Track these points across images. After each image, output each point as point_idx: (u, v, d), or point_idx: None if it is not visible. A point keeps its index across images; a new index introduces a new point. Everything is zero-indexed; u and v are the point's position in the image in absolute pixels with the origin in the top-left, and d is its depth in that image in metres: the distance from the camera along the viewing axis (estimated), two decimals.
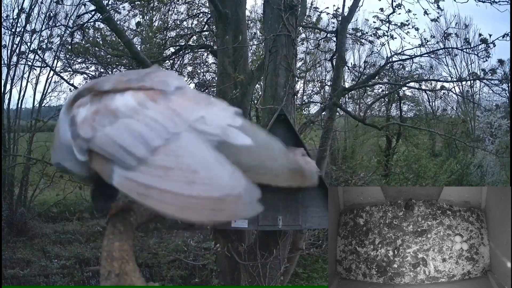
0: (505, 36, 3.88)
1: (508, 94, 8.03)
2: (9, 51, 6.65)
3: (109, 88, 0.60)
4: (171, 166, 0.53)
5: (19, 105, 7.56)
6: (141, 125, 0.55)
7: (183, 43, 5.72)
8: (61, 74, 5.69)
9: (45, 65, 5.66)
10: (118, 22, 4.64)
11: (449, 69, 10.65)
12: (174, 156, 0.54)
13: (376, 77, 5.02)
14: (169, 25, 5.99)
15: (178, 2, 5.89)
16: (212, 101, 0.61)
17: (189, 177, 0.52)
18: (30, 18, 6.41)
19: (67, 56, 5.49)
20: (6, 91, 7.11)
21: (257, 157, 0.57)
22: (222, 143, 0.55)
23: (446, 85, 6.13)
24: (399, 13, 4.54)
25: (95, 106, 0.59)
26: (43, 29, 5.53)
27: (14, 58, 6.55)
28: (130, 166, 0.54)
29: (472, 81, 7.84)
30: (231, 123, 0.57)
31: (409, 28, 4.66)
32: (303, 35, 5.62)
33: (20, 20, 6.17)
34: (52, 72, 6.73)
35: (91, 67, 5.93)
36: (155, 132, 0.55)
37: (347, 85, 6.58)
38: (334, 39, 4.26)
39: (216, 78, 5.06)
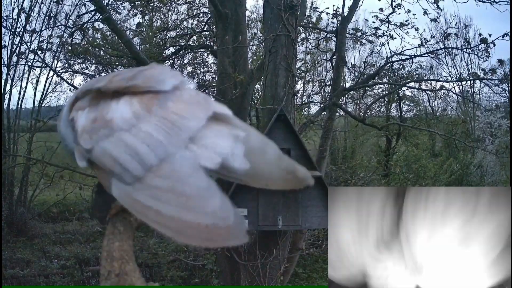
0: (505, 36, 3.89)
1: (508, 94, 8.04)
2: (9, 51, 6.66)
3: (100, 86, 0.59)
4: (165, 188, 0.52)
5: (19, 105, 7.57)
6: (137, 140, 0.54)
7: (183, 43, 5.73)
8: (61, 74, 5.69)
9: (45, 65, 5.67)
10: (118, 22, 4.64)
11: (449, 69, 10.65)
12: (168, 178, 0.53)
13: (376, 77, 5.03)
14: (169, 25, 5.99)
15: (178, 2, 5.90)
16: (212, 107, 0.59)
17: (182, 202, 0.51)
18: (30, 18, 6.41)
19: (67, 56, 5.50)
20: (6, 91, 7.12)
21: (252, 164, 0.56)
22: (221, 166, 0.54)
23: (446, 85, 6.15)
24: (399, 13, 4.54)
25: (93, 114, 0.57)
26: (43, 29, 5.53)
27: (14, 58, 6.55)
28: (127, 182, 0.54)
29: (472, 81, 7.85)
30: (233, 148, 0.56)
31: (408, 28, 4.67)
32: (303, 35, 5.63)
33: (20, 20, 6.18)
34: (52, 72, 6.74)
35: (91, 67, 5.94)
36: (150, 150, 0.53)
37: (347, 85, 6.59)
38: (334, 39, 4.27)
39: (216, 78, 5.06)
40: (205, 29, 5.73)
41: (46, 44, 4.97)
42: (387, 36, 4.69)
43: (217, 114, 0.58)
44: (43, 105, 7.80)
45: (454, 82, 7.15)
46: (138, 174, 0.53)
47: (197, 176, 0.53)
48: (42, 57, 5.24)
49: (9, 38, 6.47)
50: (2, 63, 6.15)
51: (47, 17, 6.05)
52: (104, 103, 0.58)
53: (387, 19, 4.63)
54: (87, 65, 5.84)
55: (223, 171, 0.55)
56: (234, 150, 0.56)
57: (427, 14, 4.49)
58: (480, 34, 4.26)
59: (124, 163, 0.53)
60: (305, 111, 6.40)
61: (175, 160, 0.53)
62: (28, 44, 6.05)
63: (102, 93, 0.59)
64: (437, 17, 4.53)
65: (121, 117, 0.56)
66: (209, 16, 5.38)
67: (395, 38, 4.72)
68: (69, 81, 5.69)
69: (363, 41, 5.27)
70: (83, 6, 5.08)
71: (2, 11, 5.43)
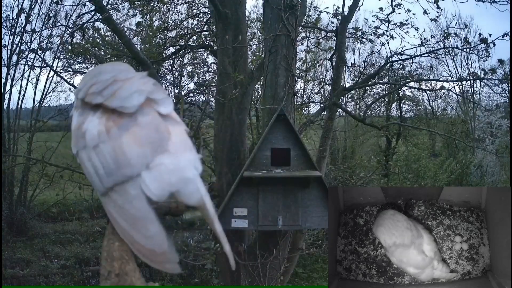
0: (505, 35, 3.88)
1: (508, 94, 8.04)
2: (9, 51, 6.65)
3: (82, 97, 0.66)
4: (122, 206, 0.59)
5: (19, 105, 7.57)
6: (98, 161, 0.61)
7: (183, 43, 5.71)
8: (61, 74, 5.68)
9: (45, 65, 5.67)
10: (117, 22, 4.63)
11: (449, 69, 10.65)
12: (123, 199, 0.59)
13: (376, 77, 5.02)
14: (169, 25, 5.98)
15: (178, 2, 5.89)
16: (171, 128, 0.65)
17: (131, 222, 0.58)
18: (30, 18, 6.40)
19: (67, 56, 5.49)
20: (6, 91, 7.12)
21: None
22: (169, 198, 0.62)
23: (446, 85, 6.17)
24: (399, 13, 4.54)
25: (81, 118, 0.64)
26: (43, 29, 5.53)
27: (14, 58, 6.55)
28: (100, 192, 0.62)
29: (472, 81, 7.84)
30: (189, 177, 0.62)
31: (408, 27, 4.66)
32: (303, 34, 5.62)
33: (20, 20, 6.17)
34: (52, 72, 6.73)
35: (91, 67, 5.92)
36: (106, 171, 0.60)
37: (347, 85, 6.58)
38: (334, 38, 4.26)
39: (216, 78, 5.05)
40: (205, 29, 5.72)
41: (46, 44, 4.96)
42: (387, 36, 4.68)
43: (175, 137, 0.64)
44: (43, 105, 7.80)
45: (454, 82, 7.16)
46: (101, 190, 0.60)
47: (143, 203, 0.59)
48: (42, 57, 5.24)
49: (9, 38, 6.47)
50: (2, 63, 6.15)
51: (47, 17, 6.05)
52: (87, 110, 0.65)
53: (387, 19, 4.63)
54: (87, 65, 5.83)
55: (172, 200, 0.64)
56: (192, 177, 0.62)
57: (427, 14, 4.49)
58: (480, 34, 4.25)
59: (90, 177, 0.62)
60: (305, 111, 6.38)
61: (126, 184, 0.59)
62: (28, 44, 6.05)
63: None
64: (437, 16, 4.52)
65: (91, 133, 0.63)
66: (209, 16, 5.37)
67: (395, 37, 4.72)
68: (69, 80, 5.68)
69: (363, 40, 5.26)
70: (83, 6, 5.07)
71: (2, 11, 5.43)
